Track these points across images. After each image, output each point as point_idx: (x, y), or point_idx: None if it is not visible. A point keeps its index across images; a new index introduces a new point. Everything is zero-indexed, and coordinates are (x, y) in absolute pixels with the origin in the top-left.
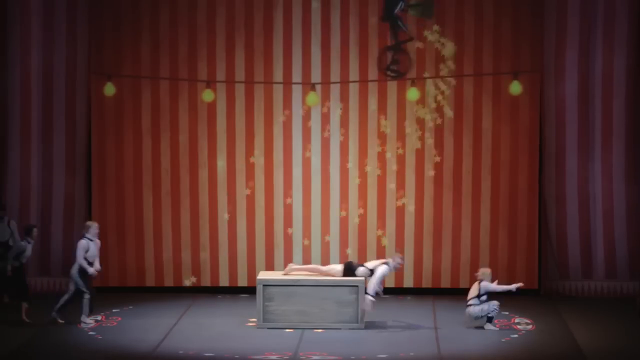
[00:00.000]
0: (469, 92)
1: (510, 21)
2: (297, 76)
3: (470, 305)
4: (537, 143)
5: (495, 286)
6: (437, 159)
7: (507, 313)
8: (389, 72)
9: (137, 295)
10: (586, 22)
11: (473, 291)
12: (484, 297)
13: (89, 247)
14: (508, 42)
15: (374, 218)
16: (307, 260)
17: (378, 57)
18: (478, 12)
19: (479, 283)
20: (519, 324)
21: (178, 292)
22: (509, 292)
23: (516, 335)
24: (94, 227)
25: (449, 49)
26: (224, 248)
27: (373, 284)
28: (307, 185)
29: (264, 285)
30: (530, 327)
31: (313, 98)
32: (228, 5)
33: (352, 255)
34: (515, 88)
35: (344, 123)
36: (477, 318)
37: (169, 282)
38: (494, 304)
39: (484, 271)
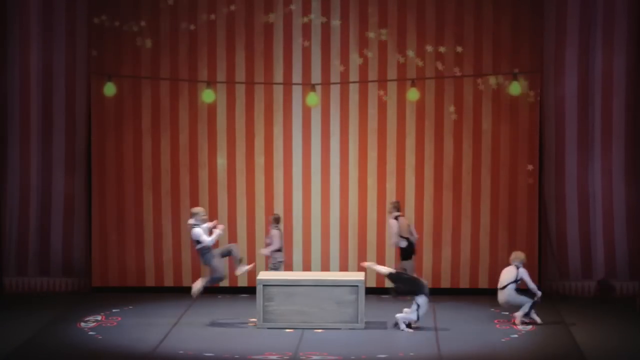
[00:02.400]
0: (469, 92)
1: (510, 21)
2: (297, 76)
3: (507, 288)
4: (537, 143)
5: (529, 279)
6: (437, 159)
7: (507, 313)
8: None
9: (137, 295)
10: (586, 22)
11: (509, 275)
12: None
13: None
14: (508, 42)
15: (373, 218)
16: (306, 259)
17: None
18: (478, 13)
19: (517, 269)
20: (519, 324)
21: (178, 292)
22: (531, 295)
23: (516, 335)
24: (200, 212)
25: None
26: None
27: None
28: (307, 185)
29: (264, 285)
30: (530, 327)
31: (313, 98)
32: (228, 5)
33: (352, 255)
34: (515, 88)
35: (344, 123)
36: (514, 304)
37: (168, 282)
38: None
39: (518, 255)
